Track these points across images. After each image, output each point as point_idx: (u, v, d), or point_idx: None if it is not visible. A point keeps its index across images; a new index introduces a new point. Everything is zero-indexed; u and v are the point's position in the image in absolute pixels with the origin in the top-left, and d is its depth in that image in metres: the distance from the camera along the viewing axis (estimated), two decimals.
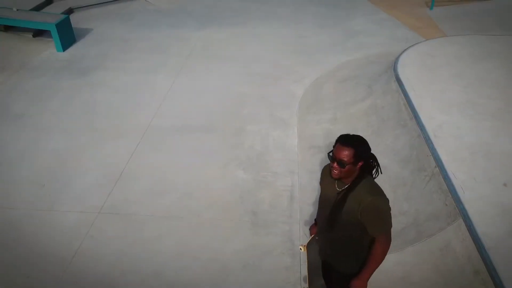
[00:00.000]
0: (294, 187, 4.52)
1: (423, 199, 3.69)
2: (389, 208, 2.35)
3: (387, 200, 2.34)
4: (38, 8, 9.17)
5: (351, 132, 2.46)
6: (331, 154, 2.33)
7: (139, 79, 6.66)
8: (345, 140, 2.29)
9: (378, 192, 2.35)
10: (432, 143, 4.00)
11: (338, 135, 2.38)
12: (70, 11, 9.48)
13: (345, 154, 2.24)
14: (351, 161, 2.25)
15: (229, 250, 3.78)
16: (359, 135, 2.37)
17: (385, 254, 2.39)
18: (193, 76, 6.79)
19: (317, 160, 4.76)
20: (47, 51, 7.57)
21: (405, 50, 6.07)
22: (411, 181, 3.94)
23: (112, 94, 6.24)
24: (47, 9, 9.32)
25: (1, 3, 8.49)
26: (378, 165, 2.42)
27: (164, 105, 5.96)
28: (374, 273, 2.46)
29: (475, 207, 3.28)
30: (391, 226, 2.39)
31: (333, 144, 2.35)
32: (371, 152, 2.37)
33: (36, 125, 5.51)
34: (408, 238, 3.50)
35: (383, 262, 2.43)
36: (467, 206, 3.27)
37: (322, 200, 2.58)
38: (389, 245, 2.40)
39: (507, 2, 9.82)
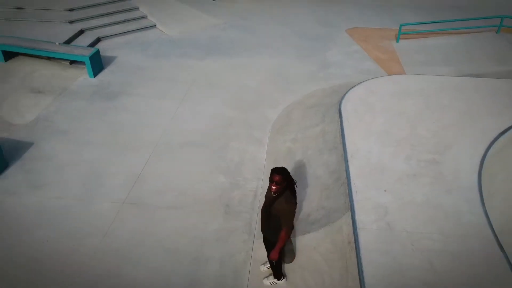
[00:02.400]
0: (258, 189, 6.47)
1: (335, 199, 5.61)
2: (294, 212, 4.17)
3: (294, 206, 4.16)
4: (74, 37, 11.28)
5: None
6: (269, 179, 4.16)
7: (152, 103, 8.68)
8: (277, 171, 4.08)
9: (289, 201, 4.12)
10: (348, 161, 5.92)
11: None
12: (98, 40, 11.58)
13: (278, 178, 4.09)
14: (281, 182, 4.11)
15: (208, 230, 5.74)
16: (283, 167, 4.20)
17: (287, 238, 4.24)
18: (193, 102, 8.79)
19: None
20: (81, 77, 9.64)
21: (353, 86, 7.99)
22: (331, 186, 5.86)
23: (131, 115, 8.26)
24: (81, 38, 11.41)
25: (45, 36, 10.66)
26: (295, 183, 4.26)
27: (170, 126, 7.96)
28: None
29: (360, 204, 5.19)
30: (292, 222, 4.21)
31: (270, 173, 4.13)
32: (291, 176, 4.21)
33: (76, 139, 7.56)
34: (322, 223, 5.41)
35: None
36: (354, 203, 5.19)
37: (265, 203, 4.43)
38: (289, 233, 4.24)
39: (464, 39, 11.65)
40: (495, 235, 4.74)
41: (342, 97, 7.57)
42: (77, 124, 7.96)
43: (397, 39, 11.68)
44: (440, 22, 12.01)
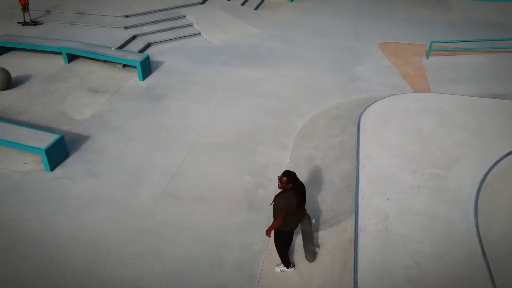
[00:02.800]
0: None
1: (344, 203, 6.37)
2: (285, 207, 4.98)
3: (288, 203, 4.99)
4: (127, 42, 12.58)
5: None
6: (278, 177, 5.08)
7: (191, 107, 9.73)
8: (286, 173, 5.02)
9: (285, 198, 5.01)
10: (359, 171, 6.66)
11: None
12: (148, 45, 12.82)
13: (284, 179, 5.01)
14: (285, 182, 5.01)
15: (232, 221, 6.66)
16: (293, 172, 5.09)
17: (278, 225, 5.05)
18: (228, 107, 9.75)
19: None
20: (132, 79, 10.86)
21: (374, 102, 8.65)
22: (342, 192, 6.62)
23: (173, 117, 9.34)
24: (133, 43, 12.70)
25: (102, 40, 12.01)
26: (301, 188, 5.12)
27: (206, 128, 8.96)
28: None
29: (364, 208, 5.93)
30: (284, 214, 5.01)
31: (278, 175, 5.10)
32: (298, 180, 5.09)
33: (125, 135, 8.71)
34: (331, 223, 6.19)
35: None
36: (359, 208, 5.93)
37: (292, 211, 5.21)
38: (280, 222, 5.06)
39: (493, 57, 11.94)
40: (481, 244, 5.34)
41: (362, 112, 8.27)
42: (126, 122, 9.13)
43: (427, 56, 12.12)
44: (472, 41, 12.30)
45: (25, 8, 13.33)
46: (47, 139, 7.71)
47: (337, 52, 12.66)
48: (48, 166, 7.58)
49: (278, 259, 5.76)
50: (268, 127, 9.04)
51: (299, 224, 5.49)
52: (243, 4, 16.05)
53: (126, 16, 13.74)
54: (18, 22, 13.57)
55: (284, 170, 5.14)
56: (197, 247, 6.19)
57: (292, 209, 5.05)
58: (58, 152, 7.81)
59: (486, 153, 6.99)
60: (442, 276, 4.97)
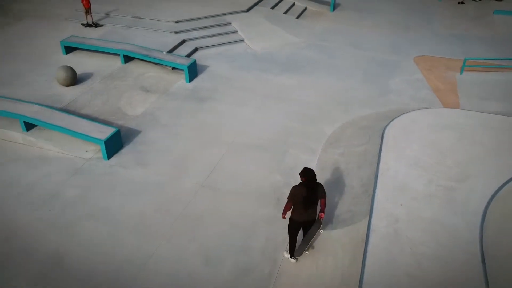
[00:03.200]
0: None
1: (361, 205, 7.11)
2: (292, 193, 6.01)
3: (294, 190, 6.00)
4: (177, 46, 13.75)
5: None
6: (300, 173, 6.02)
7: (231, 109, 10.71)
8: (303, 169, 5.95)
9: (295, 187, 6.00)
10: (377, 178, 7.37)
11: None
12: (195, 49, 13.95)
13: (301, 173, 5.93)
14: (301, 175, 5.92)
15: (261, 214, 7.56)
16: (310, 169, 5.99)
17: (286, 207, 6.08)
18: (265, 111, 10.66)
19: (324, 176, 8.31)
20: (180, 81, 12.00)
21: (399, 115, 9.27)
22: (360, 196, 7.36)
23: (215, 117, 10.36)
24: (182, 47, 13.86)
25: (155, 44, 13.25)
26: (310, 181, 6.01)
27: (243, 129, 9.91)
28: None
29: (377, 212, 6.65)
30: (288, 199, 6.02)
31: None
32: (312, 176, 5.98)
33: (171, 131, 9.82)
34: (347, 223, 6.95)
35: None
36: (373, 211, 6.66)
37: (298, 200, 6.14)
38: (287, 205, 6.07)
39: None
40: (482, 251, 5.95)
41: (387, 124, 8.92)
42: (173, 119, 10.25)
43: (461, 71, 12.47)
44: (507, 59, 12.52)
45: (88, 11, 14.82)
46: (106, 132, 8.93)
47: (372, 64, 13.25)
48: (105, 155, 8.80)
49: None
50: (299, 131, 9.87)
51: (308, 224, 6.39)
52: (285, 12, 16.89)
53: (177, 22, 14.95)
54: (82, 24, 15.10)
55: (304, 167, 6.08)
56: (229, 232, 7.15)
57: (298, 198, 6.01)
58: (115, 143, 9.02)
59: (500, 170, 7.49)
60: (440, 276, 5.64)
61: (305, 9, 17.86)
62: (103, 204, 7.74)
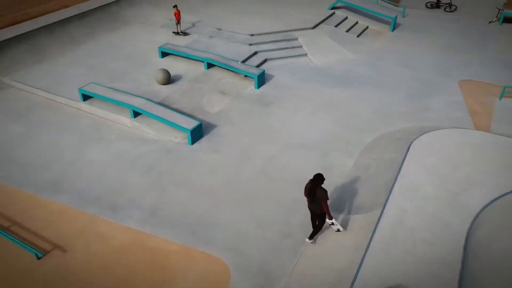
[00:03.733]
0: (340, 184, 10.31)
1: (379, 199, 9.16)
2: (327, 193, 8.05)
3: (326, 191, 8.04)
4: (249, 57, 16.33)
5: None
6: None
7: (290, 114, 13.07)
8: (316, 175, 8.10)
9: (323, 189, 8.02)
10: (396, 179, 9.37)
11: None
12: (265, 60, 16.46)
13: (313, 178, 8.07)
14: (313, 179, 8.04)
15: (300, 198, 9.87)
16: (318, 174, 8.09)
17: (327, 208, 8.12)
18: (316, 118, 12.90)
19: (357, 174, 10.42)
20: (249, 87, 14.57)
21: (428, 132, 11.07)
22: (382, 191, 9.39)
23: (275, 120, 12.79)
24: (254, 58, 16.40)
25: (232, 54, 15.95)
26: (313, 181, 8.10)
27: (297, 132, 12.24)
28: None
29: (390, 204, 8.68)
30: (327, 199, 8.08)
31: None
32: (321, 180, 8.08)
33: (239, 128, 12.40)
34: (364, 211, 9.04)
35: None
36: (387, 203, 8.71)
37: (307, 193, 8.24)
38: (327, 205, 8.13)
39: None
40: (466, 241, 7.81)
41: (415, 138, 10.80)
42: (241, 119, 12.84)
43: (500, 97, 13.78)
44: None
45: (178, 22, 17.89)
46: (191, 123, 11.72)
47: (417, 83, 14.90)
48: (190, 141, 11.60)
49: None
50: (343, 137, 12.00)
51: (315, 215, 8.36)
52: (347, 30, 18.87)
53: (251, 35, 17.57)
54: (173, 32, 18.23)
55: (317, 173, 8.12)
56: (275, 208, 9.57)
57: (307, 191, 8.01)
58: (197, 133, 11.78)
59: (502, 185, 9.15)
60: (428, 254, 7.63)
61: (367, 27, 19.67)
62: (185, 177, 10.51)
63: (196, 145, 11.69)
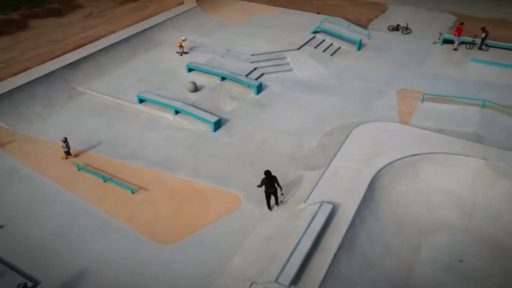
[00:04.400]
0: (309, 154, 16.78)
1: (325, 161, 15.65)
2: (261, 182, 13.97)
3: (262, 180, 13.71)
4: (251, 72, 22.74)
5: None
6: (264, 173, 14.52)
7: (279, 112, 19.53)
8: (265, 172, 14.26)
9: (262, 179, 13.58)
10: (339, 150, 15.89)
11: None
12: (262, 74, 22.89)
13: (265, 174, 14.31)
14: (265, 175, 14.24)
15: (284, 161, 16.35)
16: (267, 171, 13.95)
17: (260, 186, 14.07)
18: (296, 114, 19.33)
19: (318, 149, 16.90)
20: (251, 94, 21.04)
21: (365, 123, 17.55)
22: (329, 157, 15.87)
23: (269, 116, 19.25)
24: (254, 72, 22.81)
25: (238, 69, 22.46)
26: (268, 176, 14.19)
27: (283, 124, 18.67)
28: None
29: (331, 165, 15.17)
30: (261, 183, 14.04)
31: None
32: (268, 175, 14.10)
33: (245, 122, 18.86)
34: (315, 169, 15.51)
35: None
36: (330, 164, 15.20)
37: (266, 184, 14.17)
38: (260, 186, 14.30)
39: (463, 108, 19.64)
40: (369, 184, 14.28)
41: (355, 127, 17.26)
42: (246, 115, 19.33)
43: (421, 101, 20.23)
44: (453, 96, 20.06)
45: (181, 46, 24.24)
46: (214, 118, 18.19)
47: (369, 92, 21.36)
48: (213, 129, 18.08)
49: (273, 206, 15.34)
50: (313, 127, 18.45)
51: (273, 194, 14.15)
52: (324, 51, 25.33)
53: (252, 55, 24.02)
54: (177, 52, 24.57)
55: (266, 170, 14.30)
56: (267, 168, 16.02)
57: (265, 183, 13.33)
58: (217, 124, 18.26)
59: (400, 154, 15.60)
60: (349, 187, 14.11)
61: (339, 48, 26.13)
62: (211, 151, 16.99)
63: (217, 132, 18.17)
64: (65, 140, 16.18)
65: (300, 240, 11.75)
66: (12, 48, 25.55)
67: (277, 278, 10.57)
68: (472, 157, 15.47)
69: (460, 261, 13.51)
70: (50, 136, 17.87)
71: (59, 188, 15.09)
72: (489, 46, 25.43)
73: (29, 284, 10.99)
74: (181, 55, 24.51)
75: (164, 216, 13.98)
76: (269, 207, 13.96)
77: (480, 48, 25.40)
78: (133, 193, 14.83)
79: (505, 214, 14.62)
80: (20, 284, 10.63)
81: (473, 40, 25.63)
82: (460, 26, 25.49)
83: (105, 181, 15.25)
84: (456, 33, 25.65)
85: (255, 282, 10.96)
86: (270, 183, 13.34)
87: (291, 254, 11.30)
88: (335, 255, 11.75)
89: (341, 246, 12.11)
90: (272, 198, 13.88)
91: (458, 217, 14.92)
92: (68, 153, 16.47)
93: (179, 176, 15.69)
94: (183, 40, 24.25)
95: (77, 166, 15.87)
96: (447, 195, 15.29)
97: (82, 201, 14.52)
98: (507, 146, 16.33)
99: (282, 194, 14.06)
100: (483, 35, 25.17)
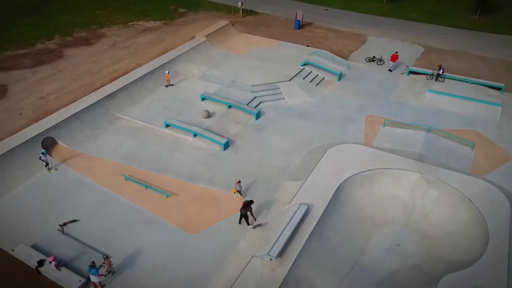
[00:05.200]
0: (294, 168, 22.70)
1: (307, 172, 21.56)
2: (244, 206, 20.01)
3: (243, 206, 19.84)
4: (251, 100, 28.66)
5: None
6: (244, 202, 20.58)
7: (272, 134, 25.42)
8: (245, 201, 20.43)
9: (244, 205, 19.67)
10: (315, 166, 21.80)
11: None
12: (260, 102, 28.77)
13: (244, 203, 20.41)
14: (244, 203, 20.06)
15: (280, 167, 22.27)
16: (246, 201, 19.75)
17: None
18: (286, 137, 25.27)
19: (301, 165, 22.85)
20: (251, 120, 26.91)
21: (338, 145, 23.49)
22: (310, 169, 21.79)
23: (264, 138, 25.14)
24: (254, 101, 28.74)
25: (240, 98, 28.41)
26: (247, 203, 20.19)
27: (277, 144, 24.58)
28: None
29: (310, 177, 21.09)
30: (242, 207, 20.06)
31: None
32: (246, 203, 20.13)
33: (246, 142, 24.77)
34: (297, 179, 21.40)
35: None
36: (310, 174, 21.12)
37: (244, 206, 20.12)
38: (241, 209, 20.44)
39: (417, 133, 25.68)
40: (334, 193, 20.19)
41: (330, 148, 23.16)
42: (247, 137, 25.26)
43: (383, 126, 26.12)
44: (406, 123, 25.99)
45: (168, 80, 30.09)
46: (223, 140, 24.15)
47: (343, 118, 27.24)
48: (223, 149, 24.03)
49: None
50: (298, 147, 24.35)
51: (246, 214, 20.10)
52: (310, 81, 31.24)
53: (253, 86, 29.93)
54: (164, 85, 30.41)
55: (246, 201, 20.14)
56: (263, 179, 21.88)
57: (244, 206, 18.95)
58: (226, 145, 24.20)
59: (359, 169, 21.50)
60: (318, 194, 20.04)
61: (323, 78, 32.04)
62: (223, 166, 22.89)
63: (226, 151, 24.08)
64: (239, 182, 20.16)
65: (284, 229, 17.64)
66: (55, 77, 31.43)
67: (269, 252, 16.45)
68: (411, 171, 21.43)
69: (398, 245, 19.39)
70: (99, 153, 23.78)
71: (114, 194, 20.97)
72: (444, 78, 31.34)
73: (109, 255, 16.86)
74: (166, 86, 30.12)
75: (191, 213, 19.88)
76: (248, 224, 19.17)
77: (436, 79, 31.33)
78: (167, 197, 20.71)
79: (433, 213, 20.54)
80: (104, 255, 16.48)
81: (432, 73, 31.56)
82: (395, 54, 32.94)
83: (146, 188, 21.13)
84: (391, 58, 33.08)
85: (255, 255, 16.87)
86: (244, 207, 18.54)
87: (278, 238, 17.19)
88: (307, 240, 17.63)
89: (312, 234, 17.99)
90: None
91: (400, 215, 20.84)
92: (240, 192, 20.35)
93: (199, 185, 21.56)
94: (168, 73, 30.04)
95: (125, 177, 21.76)
96: (394, 199, 21.22)
97: (131, 203, 20.41)
98: (441, 163, 22.29)
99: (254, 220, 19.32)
100: (440, 71, 31.06)
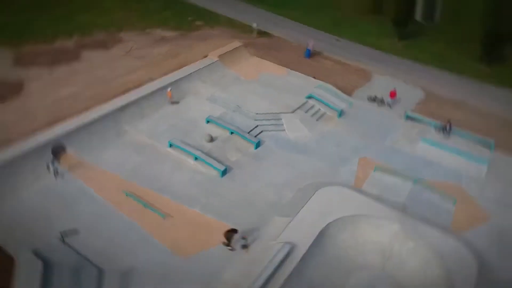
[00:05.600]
0: (286, 203, 24.18)
1: (296, 208, 23.04)
2: (226, 235, 21.55)
3: (227, 233, 21.41)
4: (253, 128, 30.16)
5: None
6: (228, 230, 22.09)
7: (270, 165, 26.88)
8: (229, 229, 21.98)
9: (228, 232, 21.30)
10: (304, 205, 23.30)
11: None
12: (261, 131, 30.23)
13: (230, 231, 21.97)
14: (229, 230, 21.87)
15: (271, 194, 23.75)
16: (231, 229, 21.32)
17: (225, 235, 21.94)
18: (284, 169, 26.74)
19: (293, 200, 24.33)
20: (251, 148, 28.35)
21: (331, 186, 24.98)
22: (298, 206, 23.26)
23: (263, 168, 26.60)
24: (256, 129, 30.20)
25: (244, 127, 29.92)
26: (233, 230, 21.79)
27: (274, 176, 26.06)
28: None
29: (301, 212, 22.56)
30: (226, 235, 21.95)
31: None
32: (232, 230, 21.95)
33: (245, 171, 26.25)
34: (288, 214, 22.87)
35: None
36: (302, 208, 22.60)
37: (228, 232, 21.92)
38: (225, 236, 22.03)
39: (402, 182, 27.16)
40: (318, 236, 21.66)
41: (321, 188, 24.64)
42: (246, 165, 26.73)
43: (374, 171, 27.58)
44: (394, 172, 27.46)
45: (171, 97, 31.56)
46: (222, 167, 25.64)
47: (338, 157, 28.65)
48: (221, 175, 25.53)
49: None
50: (293, 181, 25.78)
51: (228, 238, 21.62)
52: (312, 116, 32.72)
53: (256, 114, 31.41)
54: (169, 102, 31.83)
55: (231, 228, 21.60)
56: (258, 204, 23.37)
57: (227, 233, 20.81)
58: (224, 172, 25.67)
59: (343, 213, 22.98)
60: (305, 232, 21.49)
61: (324, 114, 33.50)
62: (219, 191, 24.38)
63: (223, 178, 25.55)
64: (246, 237, 20.97)
65: (266, 267, 19.17)
66: (71, 80, 32.89)
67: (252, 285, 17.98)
68: (392, 221, 22.90)
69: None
70: (105, 166, 25.28)
71: (113, 208, 22.45)
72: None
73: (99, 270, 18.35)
74: (172, 103, 31.49)
75: (184, 237, 21.36)
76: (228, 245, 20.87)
77: (443, 133, 32.10)
78: (164, 218, 22.18)
79: (409, 263, 21.98)
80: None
81: (442, 126, 32.20)
82: (394, 90, 35.17)
83: (145, 207, 22.61)
84: (390, 95, 35.04)
85: None
86: (228, 234, 20.34)
87: (260, 275, 18.67)
88: (287, 277, 19.11)
89: (292, 273, 19.48)
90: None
91: (379, 259, 22.28)
92: (245, 246, 20.88)
93: (194, 209, 23.04)
94: (169, 91, 31.30)
95: (126, 193, 23.24)
96: (374, 244, 22.67)
97: (129, 219, 21.88)
98: (422, 216, 23.76)
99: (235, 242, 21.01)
100: (447, 126, 31.96)
